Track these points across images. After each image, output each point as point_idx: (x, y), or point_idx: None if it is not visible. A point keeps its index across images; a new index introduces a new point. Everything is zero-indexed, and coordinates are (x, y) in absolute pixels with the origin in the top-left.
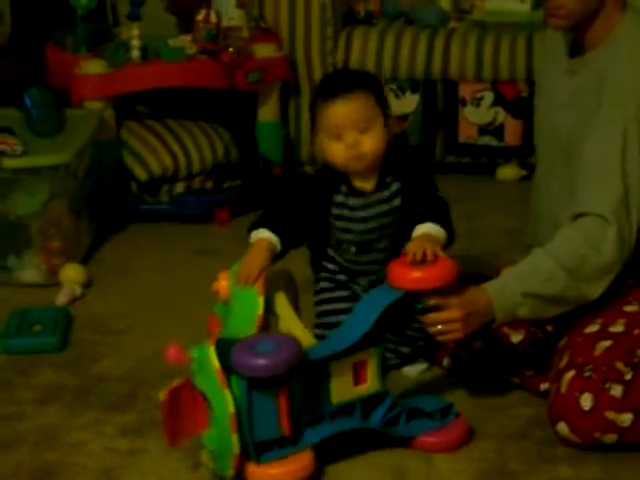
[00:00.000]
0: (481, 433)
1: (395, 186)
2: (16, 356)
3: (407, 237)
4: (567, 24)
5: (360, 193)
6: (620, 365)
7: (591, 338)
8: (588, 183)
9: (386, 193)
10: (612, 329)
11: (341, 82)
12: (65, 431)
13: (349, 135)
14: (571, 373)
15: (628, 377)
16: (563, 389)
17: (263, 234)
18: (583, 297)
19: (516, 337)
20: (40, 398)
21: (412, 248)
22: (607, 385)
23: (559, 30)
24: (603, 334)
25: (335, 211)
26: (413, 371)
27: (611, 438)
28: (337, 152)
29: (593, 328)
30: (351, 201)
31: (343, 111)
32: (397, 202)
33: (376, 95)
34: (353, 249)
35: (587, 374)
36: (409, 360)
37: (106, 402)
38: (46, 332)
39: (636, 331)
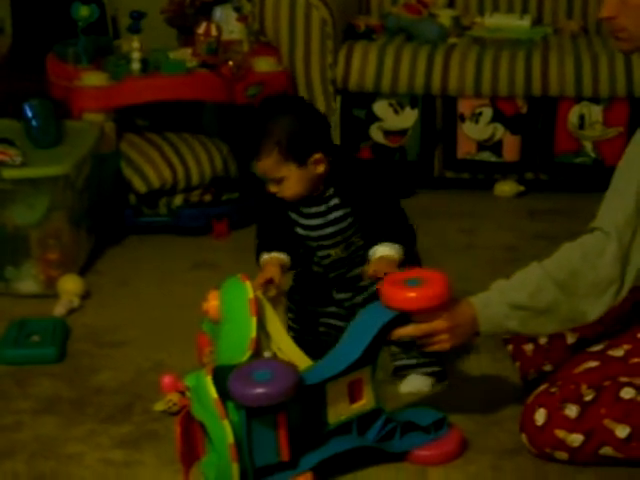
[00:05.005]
0: (477, 447)
1: (333, 202)
2: (13, 366)
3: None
4: (630, 47)
5: (304, 202)
6: (584, 387)
7: (586, 356)
8: (604, 200)
9: (323, 207)
10: (611, 352)
11: (247, 147)
12: (61, 442)
13: (270, 185)
14: (543, 386)
15: (588, 398)
16: (529, 400)
17: (274, 255)
18: (578, 314)
19: (571, 338)
20: (37, 409)
21: (371, 272)
22: (564, 404)
23: (624, 54)
24: (598, 355)
25: (292, 215)
26: (405, 387)
27: (562, 455)
28: None
29: (597, 347)
30: (300, 207)
31: (257, 170)
32: (332, 216)
33: (282, 148)
34: (301, 251)
35: (553, 390)
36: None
37: (103, 414)
38: (44, 343)
39: (634, 360)
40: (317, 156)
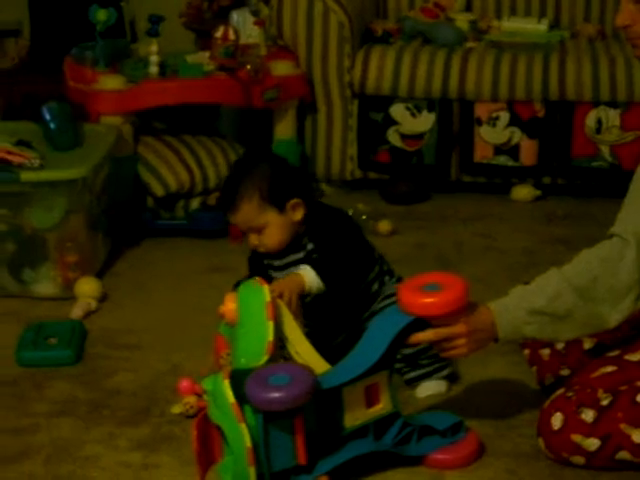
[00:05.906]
0: (494, 452)
1: (310, 246)
2: (31, 369)
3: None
4: None
5: (280, 255)
6: (601, 391)
7: (603, 361)
8: (623, 206)
9: (301, 254)
10: (628, 357)
11: (226, 198)
12: (78, 444)
13: (251, 237)
14: (560, 391)
15: (604, 403)
16: (546, 404)
17: None
18: (597, 320)
19: (588, 343)
20: (54, 411)
21: (275, 286)
22: (580, 409)
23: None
24: (614, 360)
25: (269, 271)
26: (421, 393)
27: (578, 460)
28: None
29: (613, 352)
30: (275, 262)
31: (236, 222)
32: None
33: (262, 193)
34: None
35: (569, 394)
36: (423, 376)
37: (120, 416)
38: (61, 345)
39: None
40: (295, 201)
